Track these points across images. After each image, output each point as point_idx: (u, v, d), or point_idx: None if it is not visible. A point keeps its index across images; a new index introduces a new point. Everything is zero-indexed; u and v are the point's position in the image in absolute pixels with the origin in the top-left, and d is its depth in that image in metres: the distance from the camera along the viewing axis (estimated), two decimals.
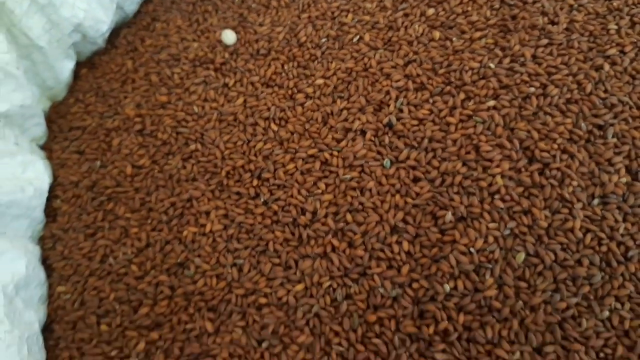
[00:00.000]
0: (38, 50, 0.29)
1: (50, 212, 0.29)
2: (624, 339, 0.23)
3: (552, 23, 0.29)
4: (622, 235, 0.24)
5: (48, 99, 0.32)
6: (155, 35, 0.32)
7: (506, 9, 0.29)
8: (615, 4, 0.29)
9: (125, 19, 0.33)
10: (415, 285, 0.24)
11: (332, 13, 0.31)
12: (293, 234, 0.26)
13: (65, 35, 0.30)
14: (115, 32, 0.33)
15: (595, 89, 0.27)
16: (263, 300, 0.25)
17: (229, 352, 0.24)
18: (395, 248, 0.25)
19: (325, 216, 0.26)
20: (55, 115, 0.31)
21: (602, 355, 0.23)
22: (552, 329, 0.23)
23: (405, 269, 0.24)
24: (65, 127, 0.31)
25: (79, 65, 0.32)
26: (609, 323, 0.23)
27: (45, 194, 0.29)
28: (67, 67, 0.31)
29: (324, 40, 0.30)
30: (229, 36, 0.31)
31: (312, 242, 0.26)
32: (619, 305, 0.23)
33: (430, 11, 0.30)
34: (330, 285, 0.25)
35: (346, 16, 0.31)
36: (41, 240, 0.29)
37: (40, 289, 0.27)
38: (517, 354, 0.23)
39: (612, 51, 0.28)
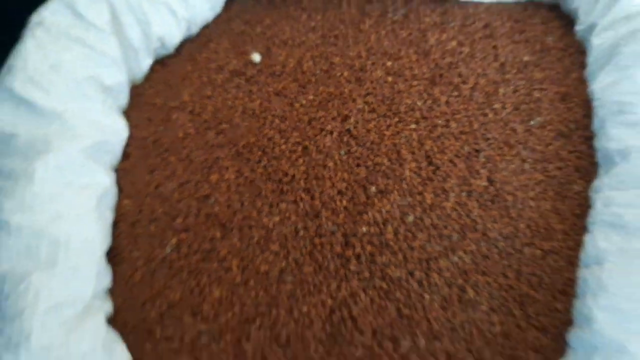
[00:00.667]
0: (133, 50, 0.45)
1: (125, 154, 0.45)
2: (462, 277, 0.39)
3: (464, 82, 0.45)
4: (476, 216, 0.40)
5: (131, 82, 0.48)
6: (208, 50, 0.48)
7: (436, 70, 0.46)
8: (507, 76, 0.45)
9: (190, 37, 0.49)
10: (346, 226, 0.40)
11: (327, 55, 0.47)
12: (278, 187, 0.42)
13: (151, 43, 0.46)
14: (182, 45, 0.49)
15: (479, 127, 0.43)
16: (253, 223, 0.41)
17: (228, 250, 0.40)
18: (338, 203, 0.40)
19: (299, 180, 0.42)
20: (135, 94, 0.47)
21: (447, 275, 0.38)
22: (421, 261, 0.39)
23: (342, 216, 0.40)
24: (141, 102, 0.47)
25: (155, 63, 0.49)
26: (457, 264, 0.39)
27: (124, 141, 0.44)
28: (147, 63, 0.47)
29: (318, 71, 0.46)
30: (256, 58, 0.47)
31: (289, 193, 0.41)
32: (464, 255, 0.39)
33: (389, 63, 0.46)
34: (295, 220, 0.41)
35: (335, 59, 0.47)
36: (117, 171, 0.45)
37: (113, 199, 0.43)
38: (398, 273, 0.38)
39: (496, 106, 0.44)
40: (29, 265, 0.36)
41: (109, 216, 0.42)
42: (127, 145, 0.45)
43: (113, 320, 0.40)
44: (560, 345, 0.37)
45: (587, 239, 0.39)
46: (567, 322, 0.38)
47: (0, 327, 0.35)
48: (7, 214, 0.37)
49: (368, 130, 0.43)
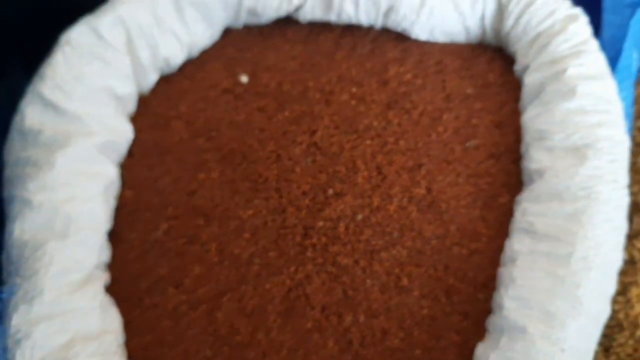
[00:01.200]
0: (142, 67, 0.54)
1: (129, 153, 0.53)
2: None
3: (414, 108, 0.52)
4: (414, 218, 0.48)
5: (139, 94, 0.57)
6: (204, 71, 0.57)
7: (393, 97, 0.54)
8: (450, 105, 0.54)
9: (190, 58, 0.58)
10: (306, 220, 0.48)
11: (303, 80, 0.56)
12: (254, 186, 0.50)
13: (158, 62, 0.55)
14: (183, 65, 0.57)
15: (423, 146, 0.51)
16: (230, 215, 0.49)
17: (208, 236, 0.48)
18: (301, 201, 0.48)
19: (271, 181, 0.50)
20: (141, 103, 0.54)
21: (387, 265, 0.47)
22: (366, 252, 0.47)
23: (304, 212, 0.48)
24: (146, 111, 0.54)
25: (159, 79, 0.57)
26: (395, 256, 0.47)
27: (129, 142, 0.53)
28: (153, 78, 0.55)
29: (294, 93, 0.54)
30: (244, 79, 0.55)
31: (262, 192, 0.49)
32: (402, 249, 0.47)
33: (354, 89, 0.53)
34: (265, 214, 0.49)
35: (309, 83, 0.56)
36: (122, 167, 0.53)
37: (117, 189, 0.52)
38: (346, 261, 0.47)
39: (440, 129, 0.52)
40: (46, 236, 0.45)
41: (112, 203, 0.51)
42: (132, 145, 0.54)
43: (109, 289, 0.48)
44: (481, 330, 0.45)
45: (506, 242, 0.47)
46: (487, 310, 0.46)
47: (19, 283, 0.44)
48: (31, 193, 0.46)
49: (331, 144, 0.51)
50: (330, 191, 0.49)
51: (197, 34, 0.56)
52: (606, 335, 0.56)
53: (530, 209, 0.47)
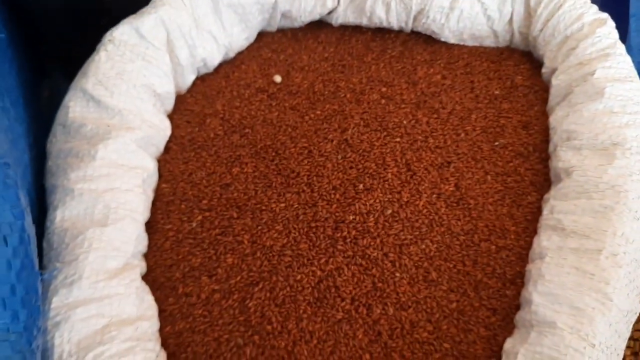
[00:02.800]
0: (181, 67, 0.54)
1: (166, 148, 0.53)
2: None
3: (443, 108, 0.52)
4: (442, 214, 0.47)
5: (177, 92, 0.57)
6: (240, 71, 0.57)
7: (422, 97, 0.53)
8: (479, 105, 0.53)
9: (227, 59, 0.58)
10: (337, 214, 0.47)
11: (335, 80, 0.55)
12: (286, 181, 0.49)
13: (195, 62, 0.55)
14: (220, 65, 0.57)
15: (452, 144, 0.50)
16: (263, 207, 0.48)
17: (241, 227, 0.48)
18: (332, 196, 0.48)
19: (303, 176, 0.49)
20: (178, 101, 0.54)
21: (416, 258, 0.46)
22: (395, 246, 0.46)
23: (334, 206, 0.47)
24: (183, 108, 0.55)
25: (197, 78, 0.57)
26: (424, 250, 0.46)
27: (167, 138, 0.53)
28: (191, 78, 0.56)
29: (326, 92, 0.54)
30: (278, 79, 0.55)
31: (294, 186, 0.48)
32: (430, 244, 0.46)
33: (384, 89, 0.54)
34: (297, 207, 0.48)
35: (341, 83, 0.55)
36: (159, 161, 0.53)
37: (154, 182, 0.51)
38: (375, 253, 0.46)
39: (468, 128, 0.51)
40: (85, 223, 0.45)
41: (150, 195, 0.50)
42: (169, 141, 0.54)
43: (145, 278, 0.48)
44: (509, 325, 0.44)
45: (534, 239, 0.46)
46: (516, 306, 0.45)
47: (60, 268, 0.43)
48: (73, 183, 0.46)
49: (361, 141, 0.51)
50: (361, 186, 0.48)
51: (234, 35, 0.56)
52: (635, 339, 0.54)
53: (558, 207, 0.45)
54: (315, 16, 0.57)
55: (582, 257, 0.42)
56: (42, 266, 0.44)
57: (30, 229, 0.34)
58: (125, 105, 0.49)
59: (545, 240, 0.45)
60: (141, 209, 0.48)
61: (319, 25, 0.59)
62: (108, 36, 0.52)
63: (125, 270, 0.45)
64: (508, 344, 0.43)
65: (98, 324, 0.42)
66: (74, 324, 0.41)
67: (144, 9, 0.53)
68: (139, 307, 0.44)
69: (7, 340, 0.30)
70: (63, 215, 0.45)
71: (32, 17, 0.63)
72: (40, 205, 0.48)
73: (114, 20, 0.53)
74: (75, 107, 0.49)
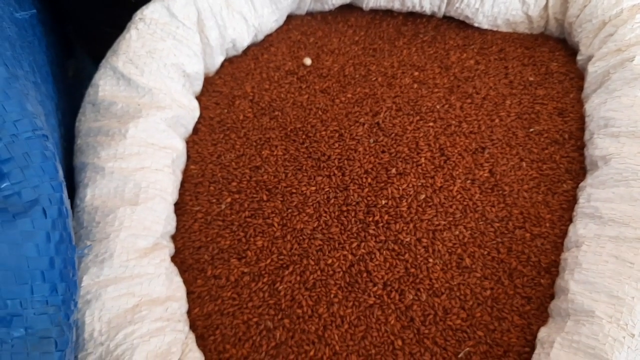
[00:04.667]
0: (210, 47, 0.54)
1: (195, 129, 0.53)
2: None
3: (476, 93, 0.51)
4: (477, 200, 0.46)
5: (205, 74, 0.56)
6: (269, 53, 0.56)
7: (455, 81, 0.52)
8: (513, 91, 0.52)
9: (256, 42, 0.57)
10: (369, 198, 0.46)
11: (365, 64, 0.55)
12: (316, 164, 0.49)
13: (225, 43, 0.55)
14: (249, 47, 0.57)
15: (486, 129, 0.49)
16: (294, 190, 0.48)
17: (271, 210, 0.47)
18: (364, 180, 0.47)
19: (334, 159, 0.48)
20: (207, 82, 0.55)
21: (449, 244, 0.45)
22: (428, 231, 0.45)
23: (366, 190, 0.47)
24: (212, 90, 0.55)
25: (225, 60, 0.57)
26: (458, 236, 0.45)
27: (196, 119, 0.52)
28: (219, 60, 0.55)
29: (357, 76, 0.53)
30: (308, 62, 0.55)
31: (325, 169, 0.48)
32: (464, 230, 0.45)
33: (416, 73, 0.53)
34: (328, 190, 0.48)
35: (372, 67, 0.54)
36: (187, 142, 0.52)
37: (183, 163, 0.51)
38: (408, 238, 0.45)
39: (502, 113, 0.50)
40: (116, 202, 0.44)
41: (179, 175, 0.49)
42: (198, 122, 0.53)
43: (173, 259, 0.47)
44: (544, 315, 0.43)
45: (570, 227, 0.45)
46: (550, 296, 0.43)
47: (91, 246, 0.43)
48: (103, 161, 0.45)
49: (394, 125, 0.50)
50: (393, 170, 0.47)
51: (264, 17, 0.55)
52: None
53: (595, 195, 0.44)
54: (346, 0, 0.56)
55: (620, 245, 0.41)
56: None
57: (68, 203, 0.33)
58: (155, 84, 0.49)
59: (582, 229, 0.43)
60: (171, 189, 0.47)
61: (350, 9, 0.58)
62: (139, 14, 0.51)
63: (155, 250, 0.44)
64: (543, 333, 0.42)
65: (129, 303, 0.41)
66: (104, 302, 0.40)
67: None
68: (168, 288, 0.43)
69: (46, 313, 0.29)
70: (94, 193, 0.44)
71: None
72: (69, 185, 0.47)
73: (140, 3, 0.52)
74: (105, 86, 0.48)
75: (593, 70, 0.50)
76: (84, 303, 0.40)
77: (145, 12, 0.50)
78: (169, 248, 0.46)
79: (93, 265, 0.41)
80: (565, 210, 0.46)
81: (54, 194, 0.31)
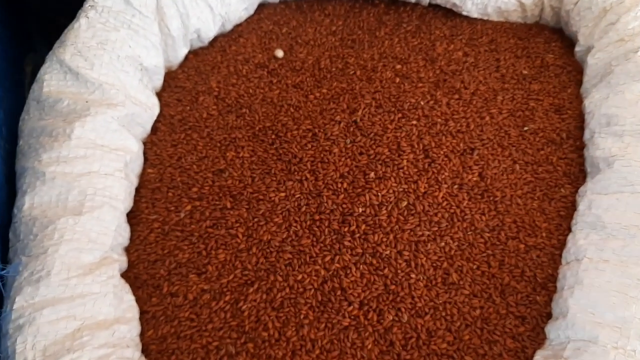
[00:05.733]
0: (171, 38, 0.48)
1: (154, 128, 0.47)
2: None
3: (465, 88, 0.46)
4: (465, 207, 0.41)
5: (167, 67, 0.51)
6: (238, 45, 0.51)
7: (441, 75, 0.47)
8: (505, 85, 0.47)
9: (223, 32, 0.51)
10: (344, 205, 0.41)
11: (343, 56, 0.49)
12: (287, 167, 0.43)
13: (188, 34, 0.49)
14: (215, 38, 0.52)
15: (475, 128, 0.44)
16: (261, 197, 0.42)
17: (236, 219, 0.42)
18: (339, 185, 0.42)
19: (306, 162, 0.43)
20: (169, 77, 0.50)
21: (434, 258, 0.39)
22: (411, 243, 0.40)
23: (341, 197, 0.41)
24: (173, 84, 0.49)
25: (189, 52, 0.51)
26: (444, 249, 0.40)
27: (155, 117, 0.47)
28: (183, 52, 0.50)
29: (333, 69, 0.48)
30: (279, 54, 0.49)
31: (296, 173, 0.43)
32: (451, 241, 0.40)
33: (398, 66, 0.48)
34: (299, 197, 0.42)
35: (350, 59, 0.49)
36: (145, 143, 0.47)
37: (139, 166, 0.45)
38: (388, 251, 0.39)
39: (493, 110, 0.45)
40: (57, 211, 0.39)
41: (134, 180, 0.44)
42: (157, 121, 0.47)
43: (125, 274, 0.41)
44: (540, 336, 0.38)
45: (569, 237, 0.40)
46: (547, 315, 0.38)
47: (26, 263, 0.37)
48: (44, 165, 0.40)
49: (373, 123, 0.44)
50: (372, 174, 0.42)
51: (232, 5, 0.50)
52: None
53: (597, 201, 0.39)
54: None
55: (626, 259, 0.36)
56: (6, 260, 0.38)
57: None
58: (107, 79, 0.43)
59: (582, 239, 0.38)
60: (122, 196, 0.41)
61: None
62: (90, 1, 0.45)
63: (102, 266, 0.39)
64: (539, 357, 0.36)
65: (68, 327, 0.36)
66: (39, 328, 0.35)
67: None
68: (116, 308, 0.38)
69: None
70: (32, 201, 0.39)
71: None
72: (11, 192, 0.42)
73: None
74: (50, 81, 0.43)
75: (593, 62, 0.45)
76: (16, 329, 0.35)
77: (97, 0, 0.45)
78: (119, 262, 0.40)
79: (27, 285, 0.36)
80: (563, 218, 0.41)
81: None
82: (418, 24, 0.50)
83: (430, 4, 0.51)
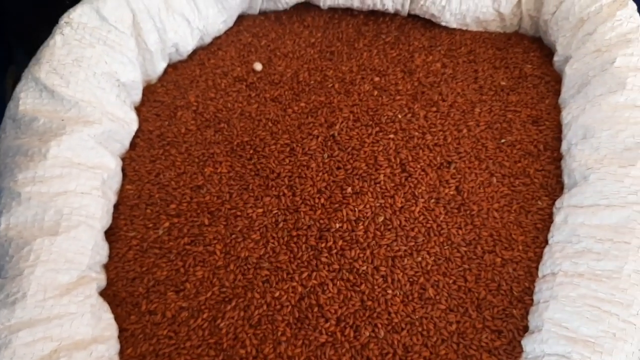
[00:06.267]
0: (149, 53, 0.48)
1: (132, 144, 0.47)
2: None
3: (443, 100, 0.46)
4: (441, 221, 0.41)
5: (145, 82, 0.50)
6: (217, 58, 0.50)
7: (419, 87, 0.47)
8: (483, 97, 0.46)
9: (202, 45, 0.52)
10: (321, 221, 0.41)
11: (322, 68, 0.49)
12: (264, 182, 0.43)
13: (166, 48, 0.49)
14: (195, 51, 0.51)
15: (452, 141, 0.44)
16: (238, 213, 0.42)
17: (213, 236, 0.42)
18: (316, 200, 0.42)
19: (284, 177, 0.43)
20: (147, 91, 0.49)
21: (410, 273, 0.39)
22: (387, 258, 0.40)
23: (318, 212, 0.41)
24: (152, 99, 0.49)
25: (168, 66, 0.51)
26: (420, 264, 0.40)
27: (133, 133, 0.47)
28: (162, 66, 0.50)
29: (312, 82, 0.48)
30: (258, 67, 0.49)
31: (273, 189, 0.43)
32: (427, 256, 0.40)
33: (376, 79, 0.48)
34: (276, 213, 0.42)
35: (329, 72, 0.49)
36: (124, 159, 0.47)
37: (117, 183, 0.45)
38: (364, 267, 0.40)
39: (471, 123, 0.45)
40: (33, 232, 0.39)
41: (111, 197, 0.44)
42: (136, 136, 0.47)
43: (104, 292, 0.42)
44: (516, 350, 0.38)
45: (546, 250, 0.40)
46: (523, 328, 0.38)
47: (1, 284, 0.37)
48: (20, 185, 0.40)
49: (350, 137, 0.44)
50: (349, 189, 0.42)
51: (210, 18, 0.50)
52: None
53: (573, 215, 0.39)
54: None
55: (600, 273, 0.36)
56: None
57: None
58: (83, 96, 0.43)
59: (557, 252, 0.39)
60: (99, 215, 0.41)
61: (306, 8, 0.52)
62: (65, 18, 0.45)
63: (80, 285, 0.39)
64: None
65: (45, 349, 0.36)
66: (15, 350, 0.35)
67: None
68: (94, 328, 0.38)
69: None
70: (8, 222, 0.39)
71: None
72: None
73: (76, 3, 0.47)
74: (26, 99, 0.43)
75: (571, 72, 0.45)
76: None
77: (72, 16, 0.45)
78: (97, 280, 0.40)
79: (3, 307, 0.36)
80: (540, 230, 0.41)
81: None
82: (397, 34, 0.50)
83: (409, 15, 0.51)
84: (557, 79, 0.47)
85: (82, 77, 0.43)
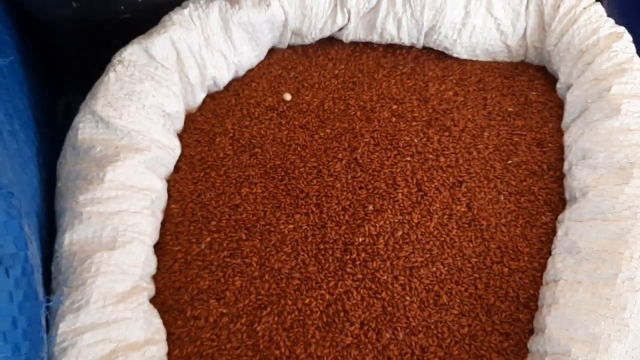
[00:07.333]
0: (191, 86, 0.54)
1: (176, 167, 0.53)
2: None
3: (455, 125, 0.51)
4: (454, 235, 0.46)
5: (187, 111, 0.56)
6: (250, 89, 0.56)
7: (433, 114, 0.52)
8: (492, 122, 0.51)
9: (237, 77, 0.57)
10: (346, 236, 0.46)
11: (345, 98, 0.55)
12: (295, 201, 0.49)
13: (205, 81, 0.55)
14: (230, 83, 0.57)
15: (464, 162, 0.49)
16: (272, 229, 0.48)
17: (250, 250, 0.47)
18: (341, 217, 0.47)
19: (312, 196, 0.49)
20: (188, 120, 0.55)
21: (426, 281, 0.44)
22: (405, 269, 0.45)
23: (343, 228, 0.47)
24: (192, 127, 0.55)
25: (206, 96, 0.57)
26: (435, 273, 0.45)
27: (177, 157, 0.53)
28: (201, 97, 0.55)
29: (336, 110, 0.53)
30: (288, 97, 0.55)
31: (303, 207, 0.48)
32: (441, 266, 0.45)
33: (395, 107, 0.53)
34: (306, 229, 0.48)
35: (351, 100, 0.54)
36: (169, 181, 0.53)
37: (164, 203, 0.51)
38: (385, 277, 0.45)
39: (480, 146, 0.50)
40: (93, 247, 0.44)
41: (159, 216, 0.50)
42: (179, 160, 0.53)
43: (153, 300, 0.47)
44: (523, 351, 0.42)
45: (549, 261, 0.44)
46: (529, 331, 0.43)
47: (67, 293, 0.43)
48: (81, 206, 0.45)
49: (371, 160, 0.50)
50: (370, 207, 0.47)
51: (244, 54, 0.56)
52: None
53: (573, 228, 0.44)
54: (326, 33, 0.56)
55: (597, 280, 0.40)
56: (50, 290, 0.44)
57: (34, 258, 0.33)
58: (134, 126, 0.49)
59: (559, 263, 0.43)
60: (150, 231, 0.47)
61: (330, 42, 0.58)
62: (117, 56, 0.51)
63: (133, 294, 0.44)
64: None
65: (105, 349, 0.41)
66: (80, 350, 0.41)
67: (154, 29, 0.53)
68: (146, 331, 0.44)
69: None
70: (71, 238, 0.45)
71: (48, 34, 0.63)
72: (52, 228, 0.48)
73: (129, 37, 0.53)
74: (84, 129, 0.49)
75: (572, 99, 0.49)
76: (60, 351, 0.41)
77: (124, 55, 0.51)
78: (148, 290, 0.46)
79: (69, 313, 0.42)
80: (544, 243, 0.45)
81: (17, 252, 0.31)
82: (413, 65, 0.56)
83: (424, 47, 0.56)
84: (560, 105, 0.52)
85: (133, 109, 0.49)
